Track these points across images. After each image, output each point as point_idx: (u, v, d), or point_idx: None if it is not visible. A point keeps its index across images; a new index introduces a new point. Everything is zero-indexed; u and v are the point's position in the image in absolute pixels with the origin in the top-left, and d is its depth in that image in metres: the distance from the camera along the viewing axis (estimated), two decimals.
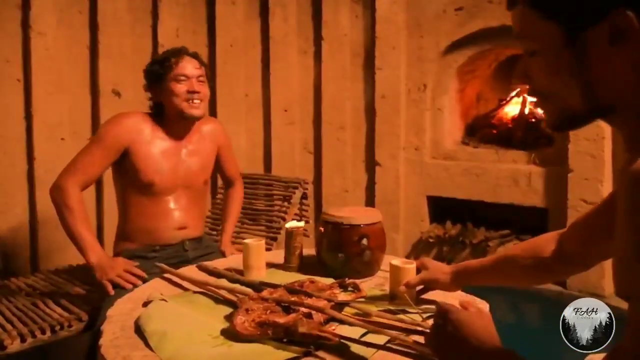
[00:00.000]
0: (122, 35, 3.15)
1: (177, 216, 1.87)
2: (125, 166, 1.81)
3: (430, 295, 1.28)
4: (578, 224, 1.05)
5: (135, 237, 1.85)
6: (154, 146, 1.83)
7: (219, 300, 1.25)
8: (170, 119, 1.85)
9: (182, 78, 1.80)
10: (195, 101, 1.82)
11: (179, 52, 1.85)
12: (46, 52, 2.87)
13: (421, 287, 1.27)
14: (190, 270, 1.51)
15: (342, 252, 1.40)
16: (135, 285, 1.61)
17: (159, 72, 1.82)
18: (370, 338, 1.00)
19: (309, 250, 1.55)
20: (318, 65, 3.66)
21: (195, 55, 1.89)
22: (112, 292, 1.63)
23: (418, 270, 1.27)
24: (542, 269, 1.10)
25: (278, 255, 1.56)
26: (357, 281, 1.30)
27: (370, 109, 3.59)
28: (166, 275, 1.47)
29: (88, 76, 3.11)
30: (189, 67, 1.82)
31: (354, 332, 1.02)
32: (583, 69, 0.71)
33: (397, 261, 1.30)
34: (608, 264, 2.64)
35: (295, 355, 0.97)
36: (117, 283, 1.66)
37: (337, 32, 3.58)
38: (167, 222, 1.85)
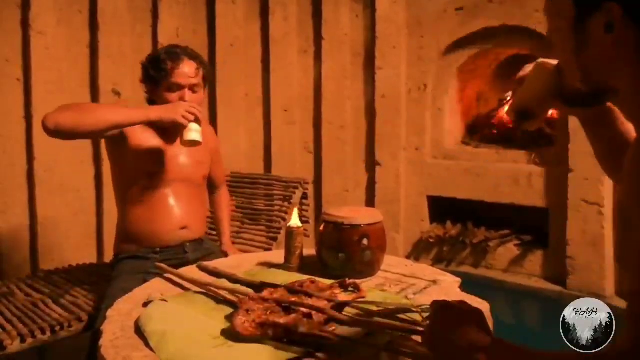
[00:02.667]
0: (122, 35, 3.15)
1: (178, 214, 1.85)
2: (123, 156, 1.79)
3: (429, 296, 1.28)
4: None
5: (136, 238, 1.83)
6: (149, 135, 1.81)
7: (220, 300, 1.25)
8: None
9: (176, 87, 1.78)
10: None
11: (177, 56, 1.80)
12: (46, 52, 2.87)
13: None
14: (191, 271, 1.51)
15: (343, 252, 1.40)
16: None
17: (154, 77, 1.80)
18: (371, 339, 1.00)
19: (310, 250, 1.54)
20: (318, 65, 3.66)
21: (194, 57, 1.84)
22: (187, 124, 1.67)
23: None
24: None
25: (278, 255, 1.56)
26: (358, 281, 1.30)
27: (371, 109, 3.59)
28: (166, 275, 1.46)
29: (88, 76, 3.11)
30: (184, 76, 1.78)
31: (354, 332, 1.02)
32: (583, 52, 0.79)
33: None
34: (609, 265, 2.65)
35: (295, 355, 0.97)
36: (187, 117, 1.68)
37: (337, 31, 3.58)
38: (168, 222, 1.83)
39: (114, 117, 1.64)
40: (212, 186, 2.15)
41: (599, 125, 1.03)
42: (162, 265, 1.55)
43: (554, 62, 0.98)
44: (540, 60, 0.99)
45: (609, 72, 0.78)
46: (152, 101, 1.87)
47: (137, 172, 1.80)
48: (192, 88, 1.81)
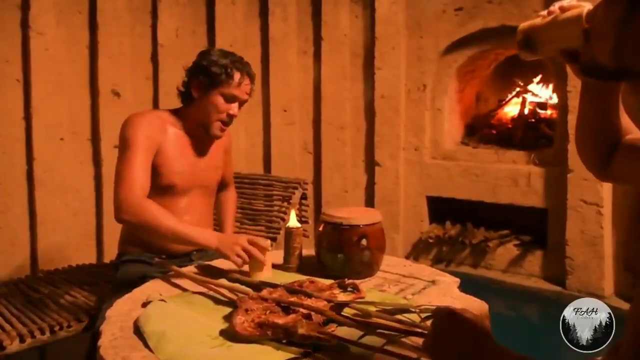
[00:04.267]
0: (121, 35, 3.15)
1: (190, 223, 1.76)
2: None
3: (427, 296, 1.28)
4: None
5: (142, 244, 1.78)
6: (176, 146, 1.75)
7: (218, 300, 1.25)
8: (193, 119, 1.78)
9: (231, 98, 1.73)
10: (227, 125, 1.77)
11: (244, 70, 1.74)
12: (46, 52, 2.87)
13: None
14: (190, 271, 1.51)
15: (342, 252, 1.40)
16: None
17: (217, 76, 1.70)
18: (369, 339, 1.00)
19: (309, 251, 1.55)
20: (318, 66, 3.66)
21: (253, 76, 1.79)
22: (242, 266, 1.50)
23: None
24: (606, 140, 0.97)
25: (278, 255, 1.56)
26: (357, 282, 1.30)
27: (370, 109, 3.59)
28: (166, 275, 1.47)
29: (87, 76, 3.11)
30: (243, 92, 1.75)
31: (353, 333, 1.02)
32: (627, 25, 0.69)
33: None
34: (608, 265, 2.65)
35: (294, 356, 0.97)
36: (242, 257, 1.50)
37: (336, 32, 3.58)
38: None
39: (174, 238, 1.60)
40: (221, 185, 2.07)
41: (601, 95, 0.96)
42: (163, 261, 1.55)
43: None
44: (586, 11, 0.87)
45: None
46: (187, 92, 1.78)
47: (160, 184, 1.73)
48: (242, 103, 1.78)
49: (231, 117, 1.76)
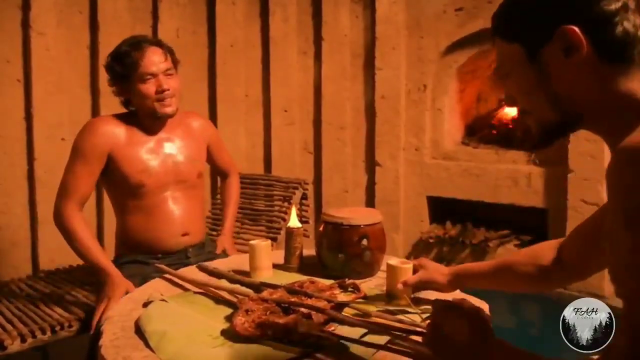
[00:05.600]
0: (122, 36, 3.09)
1: (179, 221, 1.79)
2: (111, 173, 1.74)
3: (426, 295, 1.29)
4: (575, 233, 1.06)
5: (137, 246, 1.79)
6: (134, 147, 1.75)
7: (219, 300, 1.25)
8: (143, 117, 1.78)
9: (149, 77, 1.70)
10: (166, 100, 1.73)
11: (140, 46, 1.72)
12: (46, 53, 2.88)
13: (417, 286, 1.28)
14: (190, 271, 1.51)
15: (342, 252, 1.40)
16: None
17: (123, 72, 1.72)
18: (370, 338, 1.01)
19: (309, 251, 1.55)
20: (318, 66, 3.66)
21: (158, 44, 1.77)
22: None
23: (415, 271, 1.27)
24: (542, 277, 1.12)
25: (278, 255, 1.56)
26: (357, 282, 1.31)
27: (370, 110, 3.59)
28: (166, 275, 1.47)
29: (88, 76, 3.11)
30: (154, 63, 1.70)
31: (354, 332, 1.02)
32: (547, 83, 0.80)
33: (394, 261, 1.30)
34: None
35: (294, 355, 0.98)
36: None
37: (337, 32, 3.58)
38: (169, 230, 1.78)
39: (82, 258, 1.72)
40: (221, 174, 2.16)
41: (501, 283, 1.20)
42: (162, 266, 1.55)
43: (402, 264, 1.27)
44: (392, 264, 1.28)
45: (578, 94, 0.78)
46: (127, 100, 1.81)
47: (130, 185, 1.74)
48: (166, 72, 1.74)
49: (164, 91, 1.72)
